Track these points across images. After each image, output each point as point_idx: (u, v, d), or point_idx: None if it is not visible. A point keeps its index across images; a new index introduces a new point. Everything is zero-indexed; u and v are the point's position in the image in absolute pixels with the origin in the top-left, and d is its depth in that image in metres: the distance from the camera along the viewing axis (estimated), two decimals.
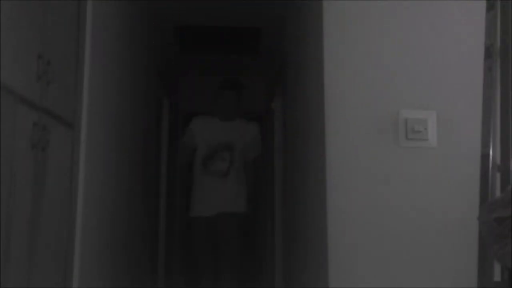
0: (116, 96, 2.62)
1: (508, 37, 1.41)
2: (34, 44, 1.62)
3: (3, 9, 1.40)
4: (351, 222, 1.97)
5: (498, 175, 1.40)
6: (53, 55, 1.74)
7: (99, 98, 2.28)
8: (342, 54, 2.06)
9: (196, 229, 3.57)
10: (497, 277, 1.37)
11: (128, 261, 2.99)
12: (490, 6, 1.47)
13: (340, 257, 1.95)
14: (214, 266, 3.54)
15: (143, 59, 3.47)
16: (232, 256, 3.52)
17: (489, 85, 1.43)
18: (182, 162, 3.83)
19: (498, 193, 1.38)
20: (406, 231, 1.97)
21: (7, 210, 1.44)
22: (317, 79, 2.19)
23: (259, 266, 5.25)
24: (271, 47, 4.59)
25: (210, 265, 3.54)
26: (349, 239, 1.96)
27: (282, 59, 3.90)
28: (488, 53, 1.44)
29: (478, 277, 1.37)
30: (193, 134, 3.60)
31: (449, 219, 1.97)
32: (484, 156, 1.40)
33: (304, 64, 2.65)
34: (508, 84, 1.40)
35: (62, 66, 1.86)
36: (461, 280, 1.86)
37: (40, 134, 1.63)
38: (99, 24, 2.23)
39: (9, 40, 1.44)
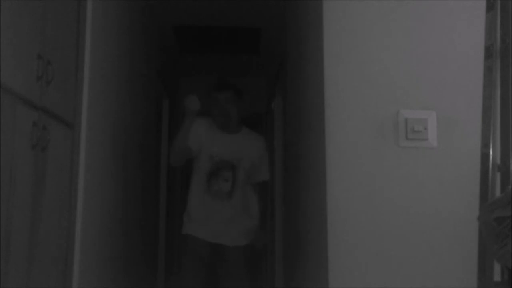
0: (116, 96, 2.62)
1: (508, 37, 1.41)
2: (34, 44, 1.62)
3: (3, 9, 1.40)
4: (351, 222, 1.97)
5: (498, 175, 1.40)
6: (53, 55, 1.74)
7: (99, 98, 2.28)
8: (342, 53, 2.06)
9: (189, 249, 3.03)
10: (497, 277, 1.37)
11: (128, 261, 2.99)
12: (490, 6, 1.47)
13: (340, 257, 1.95)
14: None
15: (143, 59, 3.48)
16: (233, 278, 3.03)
17: (489, 85, 1.43)
18: (176, 160, 3.09)
19: (498, 193, 1.38)
20: (406, 231, 1.97)
21: (7, 210, 1.44)
22: (317, 78, 2.19)
23: (259, 266, 5.25)
24: (271, 47, 4.59)
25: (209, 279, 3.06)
26: (349, 239, 1.96)
27: (282, 59, 3.90)
28: (488, 53, 1.44)
29: (478, 277, 1.37)
30: (193, 136, 3.01)
31: (449, 219, 1.98)
32: (484, 156, 1.40)
33: (304, 63, 2.65)
34: (508, 84, 1.40)
35: (62, 66, 1.86)
36: (461, 280, 1.86)
37: (40, 134, 1.64)
38: (99, 24, 2.24)
39: (9, 40, 1.44)
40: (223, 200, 3.03)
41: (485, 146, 1.40)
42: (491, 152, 1.39)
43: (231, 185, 3.04)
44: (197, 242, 3.01)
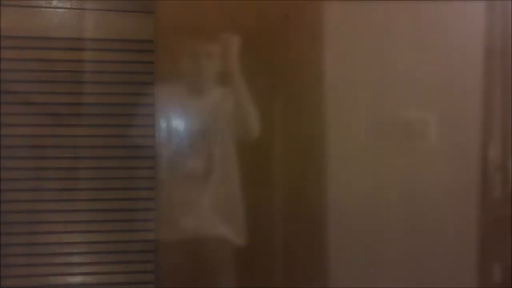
0: None
1: (508, 37, 1.41)
2: None
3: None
4: (351, 222, 1.97)
5: (498, 175, 1.40)
6: None
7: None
8: (342, 54, 2.06)
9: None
10: (497, 277, 1.37)
11: None
12: (490, 6, 1.47)
13: (340, 257, 1.95)
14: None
15: None
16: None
17: (489, 85, 1.43)
18: None
19: (498, 193, 1.38)
20: (406, 231, 1.97)
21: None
22: (317, 79, 2.18)
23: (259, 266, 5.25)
24: None
25: None
26: (349, 239, 1.96)
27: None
28: (488, 53, 1.44)
29: (478, 277, 1.37)
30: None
31: (449, 219, 1.97)
32: (484, 156, 1.40)
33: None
34: (508, 84, 1.40)
35: None
36: (461, 280, 1.86)
37: None
38: None
39: None
40: (198, 184, 2.20)
41: (485, 146, 1.40)
42: (491, 152, 1.39)
43: (206, 161, 2.60)
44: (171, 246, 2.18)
